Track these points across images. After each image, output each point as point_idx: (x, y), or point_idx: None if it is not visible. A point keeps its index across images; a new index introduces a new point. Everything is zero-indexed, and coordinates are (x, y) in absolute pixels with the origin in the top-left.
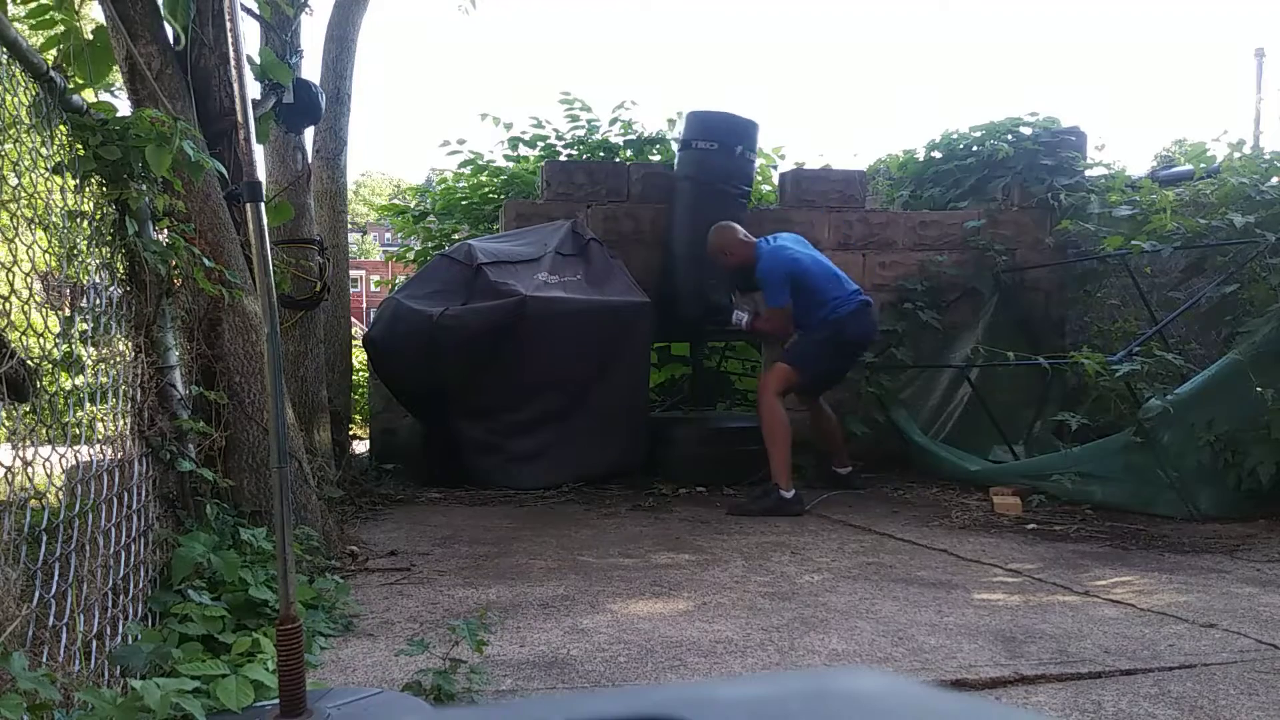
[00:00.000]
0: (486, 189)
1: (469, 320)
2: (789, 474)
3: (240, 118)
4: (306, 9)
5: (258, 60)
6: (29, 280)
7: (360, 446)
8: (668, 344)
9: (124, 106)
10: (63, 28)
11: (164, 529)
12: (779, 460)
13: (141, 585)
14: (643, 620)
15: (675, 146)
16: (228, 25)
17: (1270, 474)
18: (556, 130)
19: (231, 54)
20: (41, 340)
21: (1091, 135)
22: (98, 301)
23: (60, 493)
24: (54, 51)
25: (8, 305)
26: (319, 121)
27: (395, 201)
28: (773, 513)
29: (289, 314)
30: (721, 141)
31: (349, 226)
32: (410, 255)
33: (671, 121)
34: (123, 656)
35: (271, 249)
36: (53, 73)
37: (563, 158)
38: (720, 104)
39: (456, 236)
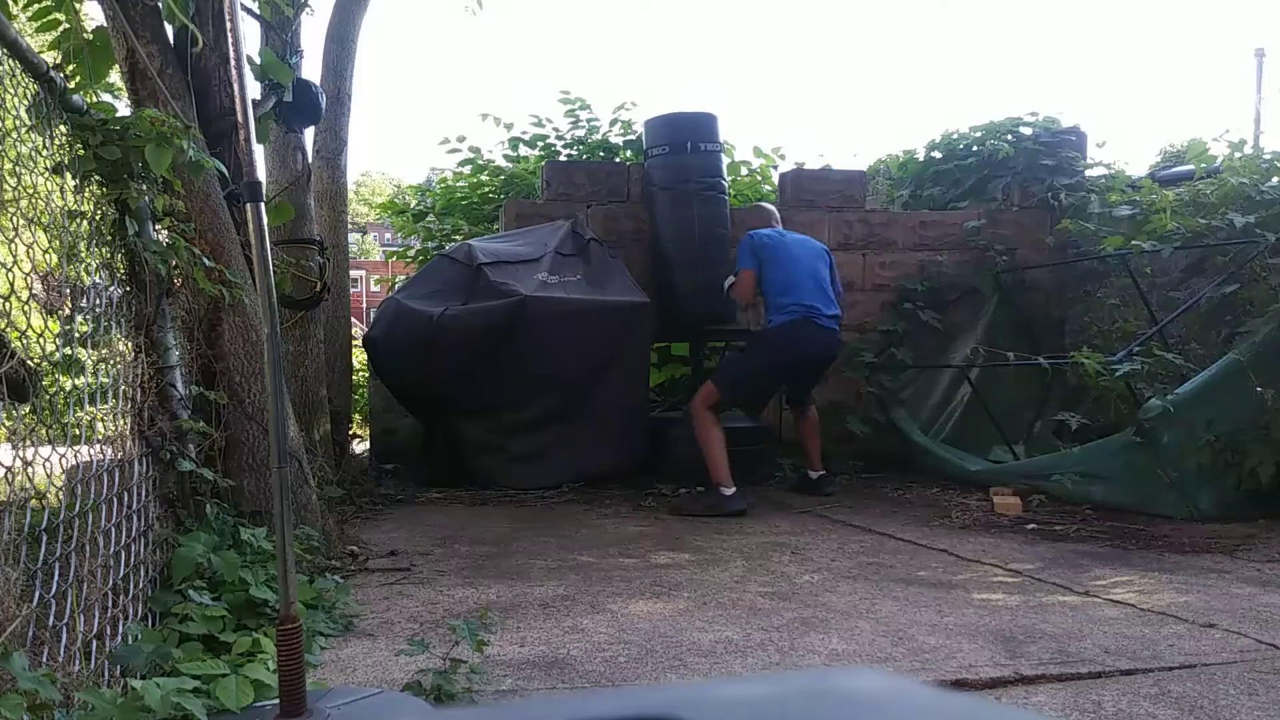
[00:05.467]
0: (486, 189)
1: (469, 320)
2: (726, 473)
3: (240, 118)
4: (306, 9)
5: (258, 60)
6: (29, 280)
7: (360, 446)
8: (668, 344)
9: (123, 107)
10: (66, 26)
11: (164, 529)
12: (713, 461)
13: (142, 585)
14: (643, 620)
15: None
16: (228, 25)
17: (1270, 474)
18: (557, 130)
19: (231, 54)
20: (42, 340)
21: (1092, 134)
22: (98, 301)
23: (60, 493)
24: (54, 51)
25: (8, 305)
26: (319, 121)
27: (395, 201)
28: (714, 511)
29: (289, 314)
30: (670, 142)
31: (349, 226)
32: (410, 254)
33: None
34: (123, 656)
35: (271, 249)
36: (53, 73)
37: (563, 158)
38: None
39: (457, 236)
